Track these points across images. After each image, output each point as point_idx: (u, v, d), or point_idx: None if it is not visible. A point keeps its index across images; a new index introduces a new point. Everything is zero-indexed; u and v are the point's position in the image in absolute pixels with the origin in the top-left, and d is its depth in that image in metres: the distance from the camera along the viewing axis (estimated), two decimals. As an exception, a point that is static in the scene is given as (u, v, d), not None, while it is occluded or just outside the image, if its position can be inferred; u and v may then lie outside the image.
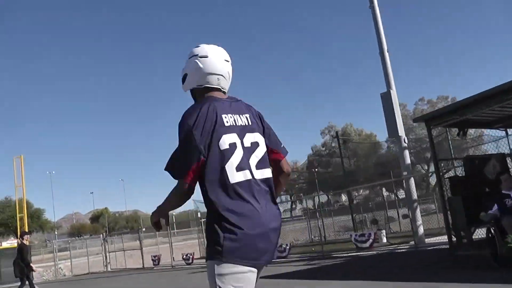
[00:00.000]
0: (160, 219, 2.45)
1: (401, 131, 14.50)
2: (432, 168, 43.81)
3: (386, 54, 15.01)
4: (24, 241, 13.07)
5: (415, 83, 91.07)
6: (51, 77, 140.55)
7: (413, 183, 14.46)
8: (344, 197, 66.61)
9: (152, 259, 22.48)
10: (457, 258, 9.52)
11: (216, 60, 2.54)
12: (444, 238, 13.55)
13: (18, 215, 28.81)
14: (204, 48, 2.56)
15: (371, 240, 13.91)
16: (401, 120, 14.73)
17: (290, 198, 57.87)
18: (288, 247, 16.37)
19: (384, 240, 16.27)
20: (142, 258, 22.88)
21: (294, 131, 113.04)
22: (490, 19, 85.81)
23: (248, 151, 2.39)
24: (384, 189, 47.18)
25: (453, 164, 11.35)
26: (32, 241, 40.39)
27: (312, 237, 29.63)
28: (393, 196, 49.81)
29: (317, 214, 19.68)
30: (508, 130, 11.38)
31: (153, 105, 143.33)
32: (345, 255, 14.45)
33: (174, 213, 71.96)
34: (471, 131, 10.97)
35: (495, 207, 7.89)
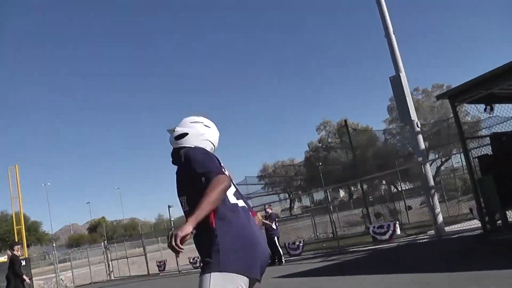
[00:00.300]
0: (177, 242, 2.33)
1: (413, 115, 13.85)
2: (431, 157, 43.41)
3: (393, 36, 14.33)
4: (15, 252, 12.28)
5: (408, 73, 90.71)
6: (45, 87, 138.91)
7: (429, 169, 13.81)
8: (342, 193, 66.15)
9: (158, 265, 21.71)
10: (493, 242, 8.89)
11: (215, 133, 3.10)
12: (465, 225, 13.04)
13: (15, 228, 27.90)
14: (208, 120, 3.10)
15: (390, 232, 13.24)
16: (412, 104, 14.08)
17: (289, 196, 57.27)
18: (301, 244, 15.65)
19: (398, 231, 15.62)
20: (147, 265, 22.12)
21: (289, 129, 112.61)
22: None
23: (237, 191, 2.82)
24: (384, 182, 46.69)
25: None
26: (31, 254, 39.43)
27: (317, 234, 29.08)
28: (393, 188, 49.41)
29: (330, 208, 19.05)
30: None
31: (147, 111, 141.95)
32: (363, 249, 13.77)
33: (173, 219, 71.63)
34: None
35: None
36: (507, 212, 9.19)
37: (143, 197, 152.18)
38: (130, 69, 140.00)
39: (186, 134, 2.96)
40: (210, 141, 3.01)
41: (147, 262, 22.23)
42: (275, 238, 14.78)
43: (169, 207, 26.95)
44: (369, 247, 13.77)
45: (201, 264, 2.54)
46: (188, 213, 2.57)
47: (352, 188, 57.57)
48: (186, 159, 2.73)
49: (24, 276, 12.36)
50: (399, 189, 37.44)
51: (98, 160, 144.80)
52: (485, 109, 9.81)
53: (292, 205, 58.10)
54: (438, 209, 13.37)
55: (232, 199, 2.69)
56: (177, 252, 2.35)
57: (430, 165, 14.65)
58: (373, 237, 13.79)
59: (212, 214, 2.52)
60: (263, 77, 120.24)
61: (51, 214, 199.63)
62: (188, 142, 2.93)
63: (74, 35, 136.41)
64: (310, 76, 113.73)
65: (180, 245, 2.33)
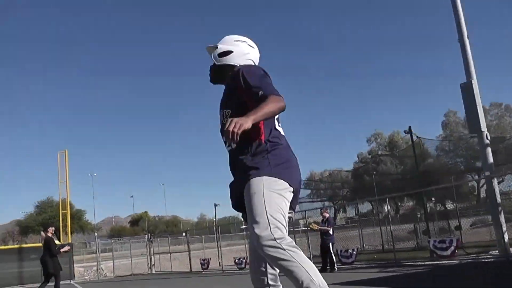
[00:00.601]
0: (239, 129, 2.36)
1: (483, 126, 13.07)
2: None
3: (467, 41, 13.58)
4: (49, 234, 12.16)
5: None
6: (100, 71, 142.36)
7: (497, 184, 12.94)
8: (386, 208, 64.80)
9: (201, 263, 21.39)
10: None
11: (257, 54, 3.06)
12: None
13: (61, 212, 28.24)
14: (251, 41, 3.04)
15: (452, 248, 12.42)
16: (483, 114, 13.30)
17: (334, 205, 56.48)
18: (355, 253, 15.00)
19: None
20: (190, 261, 21.87)
21: (339, 139, 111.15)
22: None
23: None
24: (433, 199, 45.24)
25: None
26: (73, 242, 40.14)
27: (364, 245, 28.49)
28: (439, 206, 47.71)
29: (389, 219, 18.40)
30: None
31: (195, 109, 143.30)
32: (421, 263, 13.03)
33: (214, 219, 71.73)
34: None
35: None
36: None
37: (186, 195, 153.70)
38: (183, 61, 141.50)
39: (231, 51, 2.94)
40: (253, 61, 3.00)
41: (190, 259, 21.99)
42: (330, 244, 14.22)
43: (215, 205, 26.89)
44: (427, 262, 13.02)
45: (247, 173, 2.61)
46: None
47: (399, 203, 56.18)
48: (248, 74, 2.70)
49: (63, 249, 12.27)
50: (448, 207, 36.16)
51: (144, 155, 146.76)
52: None
53: (336, 214, 57.12)
54: (504, 227, 12.51)
55: (277, 126, 2.80)
56: (233, 140, 2.36)
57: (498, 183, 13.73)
58: (432, 252, 13.00)
59: (262, 128, 2.68)
60: (318, 80, 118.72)
61: (95, 204, 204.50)
62: (233, 60, 2.92)
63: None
64: (366, 85, 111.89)
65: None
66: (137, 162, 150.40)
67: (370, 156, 55.70)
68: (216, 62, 2.95)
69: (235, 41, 2.98)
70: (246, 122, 2.36)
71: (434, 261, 12.94)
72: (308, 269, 2.45)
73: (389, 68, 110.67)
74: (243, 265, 18.97)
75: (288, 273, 2.43)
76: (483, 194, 42.77)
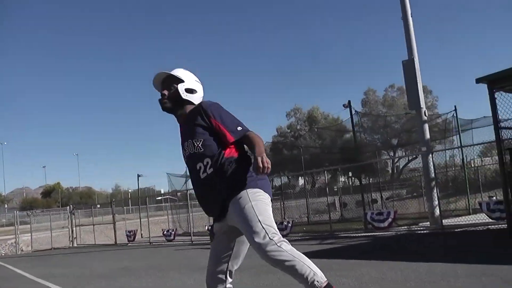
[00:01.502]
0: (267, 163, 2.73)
1: (422, 103, 13.48)
2: (398, 154, 43.61)
3: (410, 19, 13.87)
4: None
5: (386, 69, 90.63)
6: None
7: (432, 160, 13.39)
8: (301, 181, 66.23)
9: (127, 235, 20.68)
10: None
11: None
12: (462, 220, 12.76)
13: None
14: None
15: (390, 220, 12.78)
16: (422, 92, 13.69)
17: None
18: (290, 225, 15.05)
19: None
20: (115, 233, 21.09)
21: (259, 112, 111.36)
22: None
23: None
24: (350, 174, 46.76)
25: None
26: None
27: (285, 217, 28.86)
28: (357, 181, 49.50)
29: (328, 190, 18.49)
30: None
31: (117, 78, 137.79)
32: (359, 235, 13.29)
33: (130, 190, 70.31)
34: None
35: None
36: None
37: (101, 166, 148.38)
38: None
39: (195, 91, 3.19)
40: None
41: (115, 231, 21.20)
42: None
43: (138, 176, 26.03)
44: (364, 234, 13.32)
45: (230, 189, 2.91)
46: (201, 153, 2.97)
47: (315, 177, 57.60)
48: (218, 111, 3.03)
49: None
50: (363, 182, 37.57)
51: (58, 123, 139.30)
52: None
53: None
54: (436, 201, 13.02)
55: None
56: (266, 171, 2.71)
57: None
58: (371, 224, 13.29)
59: (237, 152, 3.03)
60: (234, 55, 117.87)
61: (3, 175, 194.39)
62: (195, 99, 3.18)
63: None
64: (288, 60, 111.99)
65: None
66: (49, 131, 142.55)
67: (289, 131, 56.42)
68: (181, 95, 3.13)
69: (195, 81, 3.23)
70: (266, 158, 2.75)
71: (370, 232, 13.26)
72: (307, 262, 2.76)
73: (323, 42, 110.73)
74: (172, 237, 18.58)
75: (292, 272, 2.73)
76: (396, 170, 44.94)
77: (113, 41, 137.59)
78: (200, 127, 3.01)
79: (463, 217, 13.38)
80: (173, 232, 18.75)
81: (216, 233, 3.15)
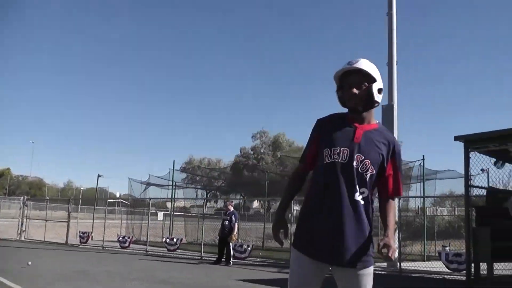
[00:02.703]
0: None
1: (396, 148, 13.92)
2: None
3: (395, 66, 14.42)
4: None
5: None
6: None
7: (397, 203, 13.80)
8: (256, 204, 66.36)
9: (80, 236, 20.18)
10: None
11: None
12: (417, 266, 13.18)
13: None
14: None
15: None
16: (397, 135, 14.18)
17: (207, 195, 56.58)
18: (249, 249, 15.12)
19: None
20: (67, 232, 20.53)
21: (225, 130, 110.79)
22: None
23: None
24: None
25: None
26: None
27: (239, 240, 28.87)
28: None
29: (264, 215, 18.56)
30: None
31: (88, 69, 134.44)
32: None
33: (82, 188, 68.53)
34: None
35: None
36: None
37: (56, 159, 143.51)
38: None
39: (382, 90, 2.79)
40: None
41: (68, 230, 20.67)
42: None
43: (98, 176, 25.53)
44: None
45: (366, 247, 2.62)
46: (364, 180, 2.62)
47: (270, 202, 57.91)
48: (401, 159, 2.81)
49: None
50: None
51: (14, 106, 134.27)
52: (495, 163, 9.93)
53: (206, 203, 57.31)
54: (396, 244, 13.38)
55: None
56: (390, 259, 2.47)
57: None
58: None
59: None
60: (214, 62, 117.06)
61: None
62: (380, 100, 2.81)
63: None
64: (257, 81, 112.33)
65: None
66: (3, 114, 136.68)
67: (252, 152, 56.66)
68: (374, 97, 2.73)
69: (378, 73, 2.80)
70: (395, 249, 2.50)
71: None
72: None
73: (301, 73, 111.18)
74: (126, 244, 18.33)
75: None
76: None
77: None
78: (380, 155, 2.67)
79: (419, 262, 13.80)
80: (128, 240, 18.49)
81: (306, 270, 2.70)
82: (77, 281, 8.94)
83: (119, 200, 42.21)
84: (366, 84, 2.69)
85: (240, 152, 57.31)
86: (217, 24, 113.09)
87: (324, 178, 2.65)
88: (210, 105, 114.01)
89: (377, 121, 2.81)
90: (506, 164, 10.26)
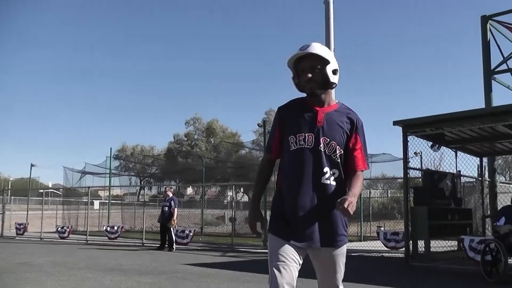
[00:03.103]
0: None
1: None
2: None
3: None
4: None
5: (290, 92, 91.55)
6: None
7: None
8: (190, 190, 66.11)
9: (17, 227, 19.48)
10: (415, 268, 9.43)
11: None
12: (354, 246, 13.76)
13: None
14: None
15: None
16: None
17: (140, 182, 55.84)
18: (191, 234, 15.18)
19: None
20: (3, 224, 19.74)
21: (158, 116, 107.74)
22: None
23: None
24: (241, 189, 47.66)
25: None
26: None
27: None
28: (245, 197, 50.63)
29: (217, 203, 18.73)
30: (457, 152, 11.77)
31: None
32: (259, 250, 13.80)
33: (11, 178, 65.38)
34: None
35: (503, 219, 7.67)
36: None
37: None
38: None
39: (338, 71, 2.77)
40: None
41: (3, 222, 19.87)
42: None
43: (31, 165, 24.58)
44: (264, 250, 13.82)
45: (343, 227, 2.72)
46: (335, 162, 2.68)
47: (206, 189, 57.92)
48: (363, 133, 2.83)
49: None
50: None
51: None
52: (431, 146, 10.52)
53: (140, 191, 56.67)
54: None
55: None
56: (346, 214, 2.46)
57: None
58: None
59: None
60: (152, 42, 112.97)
61: None
62: (337, 81, 2.80)
63: None
64: (192, 66, 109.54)
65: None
66: None
67: (186, 139, 56.30)
68: (330, 78, 2.72)
69: (331, 53, 2.81)
70: (354, 206, 2.48)
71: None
72: None
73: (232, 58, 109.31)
74: (66, 234, 17.90)
75: None
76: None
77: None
78: (344, 134, 2.73)
79: (357, 242, 14.40)
80: (67, 230, 18.04)
81: (290, 251, 2.64)
82: (24, 273, 8.69)
83: (51, 190, 40.78)
84: (319, 67, 2.68)
85: (174, 138, 56.78)
86: (153, 12, 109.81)
87: (293, 165, 2.69)
88: (142, 90, 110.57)
89: (337, 101, 2.84)
90: (442, 147, 10.88)
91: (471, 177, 12.49)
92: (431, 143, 10.62)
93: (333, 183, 2.65)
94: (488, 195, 12.63)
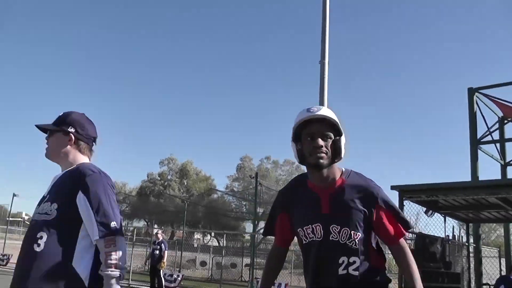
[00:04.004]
0: None
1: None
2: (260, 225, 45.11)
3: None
4: None
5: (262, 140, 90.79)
6: None
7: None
8: (155, 230, 65.48)
9: (0, 258, 19.16)
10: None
11: None
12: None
13: None
14: None
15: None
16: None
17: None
18: (179, 278, 15.30)
19: None
20: (-19, 254, 19.39)
21: (133, 154, 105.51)
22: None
23: None
24: (212, 234, 47.53)
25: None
26: None
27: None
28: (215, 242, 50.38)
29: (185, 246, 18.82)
30: (446, 217, 12.45)
31: None
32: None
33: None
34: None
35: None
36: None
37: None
38: None
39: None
40: None
41: (-14, 251, 19.52)
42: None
43: (14, 195, 24.29)
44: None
45: None
46: (353, 249, 2.35)
47: (175, 229, 57.54)
48: (386, 196, 2.48)
49: None
50: (222, 244, 38.46)
51: None
52: (425, 212, 11.16)
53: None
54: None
55: None
56: None
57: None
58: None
59: (384, 262, 2.53)
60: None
61: None
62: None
63: None
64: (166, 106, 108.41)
65: None
66: None
67: (159, 179, 56.23)
68: (341, 152, 2.39)
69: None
70: None
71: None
72: None
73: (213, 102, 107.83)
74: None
75: None
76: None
77: None
78: (359, 213, 2.36)
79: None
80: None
81: None
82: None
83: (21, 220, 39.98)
84: (331, 136, 2.36)
85: (147, 177, 56.61)
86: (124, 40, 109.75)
87: (308, 261, 2.47)
88: (118, 129, 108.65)
89: (343, 169, 2.47)
90: (435, 213, 11.54)
91: (459, 242, 13.12)
92: (425, 208, 11.25)
93: (354, 273, 2.33)
94: (473, 260, 13.27)
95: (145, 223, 53.58)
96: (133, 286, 15.97)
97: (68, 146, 2.53)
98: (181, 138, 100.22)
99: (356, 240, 2.33)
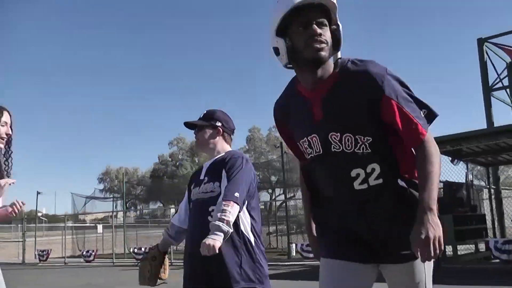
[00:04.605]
0: None
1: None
2: (277, 192, 45.66)
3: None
4: None
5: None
6: None
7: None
8: (172, 210, 66.58)
9: (39, 254, 19.95)
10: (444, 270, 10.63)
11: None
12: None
13: None
14: None
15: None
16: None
17: (126, 204, 56.03)
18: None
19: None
20: (24, 251, 20.22)
21: (142, 137, 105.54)
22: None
23: None
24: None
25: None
26: None
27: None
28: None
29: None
30: (468, 164, 13.18)
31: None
32: (288, 263, 14.83)
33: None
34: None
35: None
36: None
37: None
38: None
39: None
40: None
41: (24, 249, 20.36)
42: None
43: (38, 193, 24.97)
44: (297, 262, 14.80)
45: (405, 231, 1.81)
46: (366, 155, 1.89)
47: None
48: (398, 87, 1.91)
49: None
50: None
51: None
52: (451, 161, 11.88)
53: (127, 214, 56.91)
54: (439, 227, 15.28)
55: None
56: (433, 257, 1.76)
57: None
58: (301, 254, 14.69)
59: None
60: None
61: None
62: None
63: None
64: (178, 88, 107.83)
65: None
66: None
67: (170, 159, 56.87)
68: (341, 40, 1.95)
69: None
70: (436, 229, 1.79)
71: (299, 261, 14.74)
72: None
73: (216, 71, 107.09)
74: (91, 258, 18.56)
75: None
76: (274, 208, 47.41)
77: None
78: (364, 108, 1.87)
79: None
80: (93, 253, 18.72)
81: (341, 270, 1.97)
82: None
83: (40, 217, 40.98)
84: (326, 23, 1.89)
85: (159, 159, 57.28)
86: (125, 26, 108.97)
87: (314, 182, 2.13)
88: (124, 112, 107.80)
89: (339, 58, 1.98)
90: (460, 161, 12.28)
91: (482, 186, 13.95)
92: (450, 158, 11.97)
93: (377, 181, 1.89)
94: (494, 201, 14.08)
95: (161, 205, 54.55)
96: (175, 263, 16.81)
97: (217, 138, 3.03)
98: (187, 116, 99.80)
99: (367, 144, 1.87)
